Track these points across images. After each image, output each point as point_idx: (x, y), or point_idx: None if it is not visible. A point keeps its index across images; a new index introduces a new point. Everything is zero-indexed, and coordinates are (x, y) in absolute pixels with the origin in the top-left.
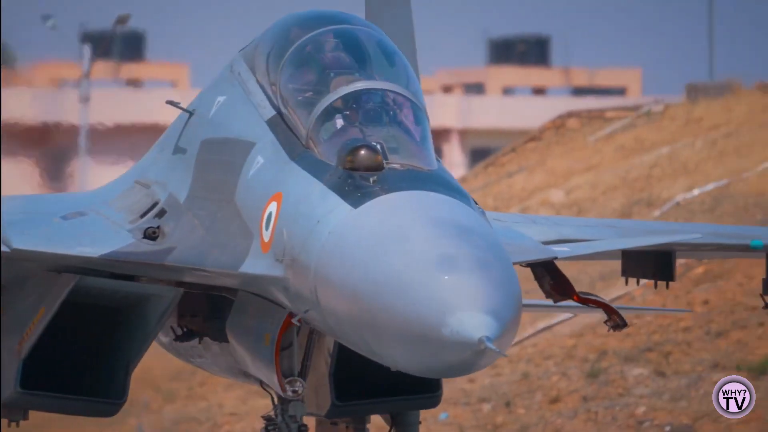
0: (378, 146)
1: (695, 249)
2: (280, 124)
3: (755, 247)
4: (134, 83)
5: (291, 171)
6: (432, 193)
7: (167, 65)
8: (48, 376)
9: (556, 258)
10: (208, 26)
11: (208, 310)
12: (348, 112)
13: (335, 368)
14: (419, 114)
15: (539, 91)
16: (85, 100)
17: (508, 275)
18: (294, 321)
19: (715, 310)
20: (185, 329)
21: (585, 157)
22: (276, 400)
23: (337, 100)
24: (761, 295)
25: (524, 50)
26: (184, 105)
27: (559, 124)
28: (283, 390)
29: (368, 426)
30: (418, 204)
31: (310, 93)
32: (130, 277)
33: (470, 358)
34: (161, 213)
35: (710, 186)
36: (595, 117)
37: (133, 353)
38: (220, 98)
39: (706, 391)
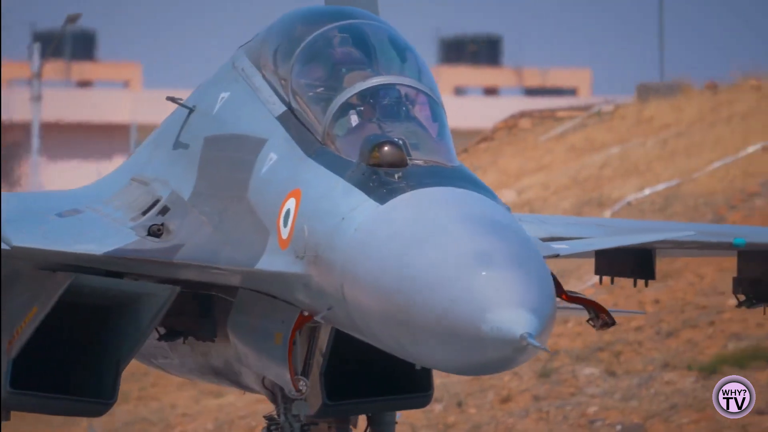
0: (401, 142)
1: (678, 247)
2: (291, 120)
3: (738, 245)
4: (85, 83)
5: (308, 167)
6: (459, 189)
7: (119, 65)
8: (36, 375)
9: (557, 255)
10: (160, 25)
11: (197, 309)
12: (366, 108)
13: (326, 367)
14: (437, 109)
15: (491, 91)
16: (36, 99)
17: (543, 271)
18: (318, 318)
19: (666, 310)
20: (169, 329)
21: (536, 157)
22: (279, 399)
23: (354, 95)
24: (734, 294)
25: (476, 50)
26: (137, 105)
27: (511, 124)
28: (296, 389)
29: (351, 426)
30: (447, 200)
31: (324, 89)
32: (126, 276)
33: (510, 354)
34: (164, 210)
35: (661, 186)
36: (547, 117)
37: (124, 352)
38: (224, 94)
39: (656, 391)
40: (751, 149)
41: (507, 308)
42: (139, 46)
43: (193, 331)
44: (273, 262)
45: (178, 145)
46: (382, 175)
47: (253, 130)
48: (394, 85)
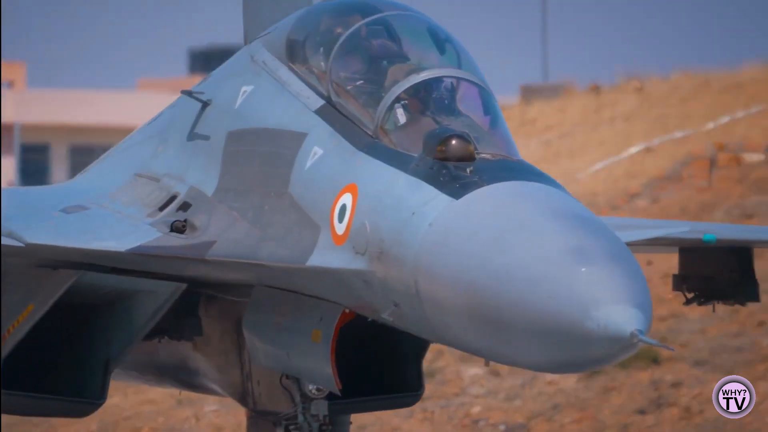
0: (468, 136)
1: (650, 244)
2: (334, 114)
3: (708, 241)
4: None
5: (362, 162)
6: (536, 184)
7: (2, 64)
8: (21, 375)
9: None
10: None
11: (180, 308)
12: (420, 101)
13: None
14: (492, 101)
15: None
16: None
17: (638, 266)
18: (385, 316)
19: None
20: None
21: None
22: (297, 399)
23: (408, 88)
24: (675, 290)
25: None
26: (21, 105)
27: None
28: (339, 386)
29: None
30: (527, 195)
31: (370, 82)
32: (147, 274)
33: (617, 352)
34: (185, 206)
35: None
36: None
37: (114, 351)
38: (246, 88)
39: (540, 391)
40: (633, 150)
41: (614, 305)
42: (23, 45)
43: (171, 331)
44: (328, 258)
45: (193, 139)
46: (453, 169)
47: (287, 124)
48: (448, 77)
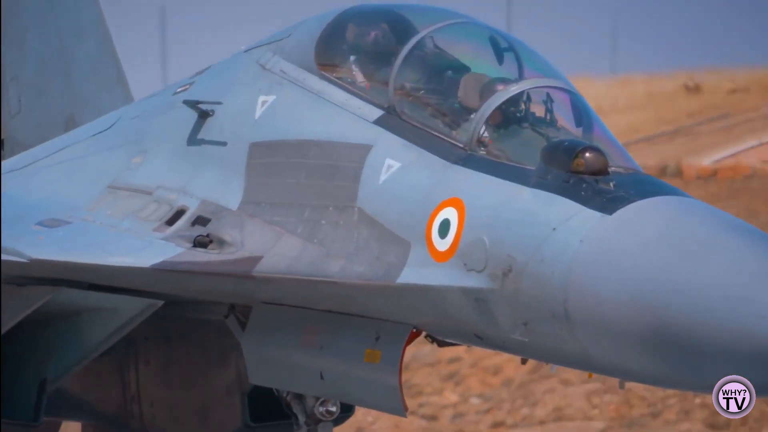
0: (600, 148)
1: None
2: (400, 125)
3: None
4: None
5: (462, 175)
6: (688, 198)
7: None
8: None
9: None
10: None
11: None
12: (519, 112)
13: (252, 388)
14: (590, 109)
15: None
16: None
17: None
18: (516, 336)
19: None
20: None
21: None
22: (301, 422)
23: (507, 99)
24: None
25: None
26: None
27: None
28: (407, 408)
29: None
30: (691, 210)
31: (442, 91)
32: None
33: None
34: (201, 220)
35: None
36: None
37: (52, 371)
38: (265, 98)
39: None
40: None
41: None
42: None
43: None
44: (426, 275)
45: (194, 151)
46: (594, 183)
47: (340, 136)
48: (544, 87)
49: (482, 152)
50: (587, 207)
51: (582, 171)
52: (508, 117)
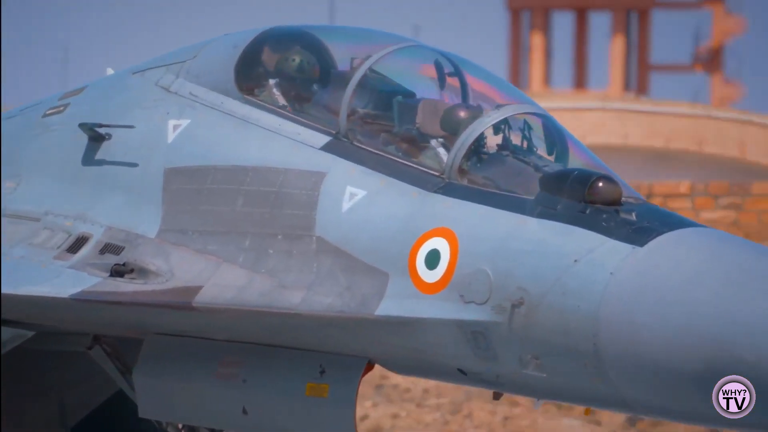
0: (614, 177)
1: None
2: (358, 153)
3: None
4: None
5: (449, 204)
6: (714, 229)
7: None
8: None
9: None
10: None
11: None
12: (503, 139)
13: (78, 421)
14: (572, 136)
15: None
16: None
17: None
18: (530, 371)
19: None
20: None
21: None
22: None
23: (489, 126)
24: None
25: None
26: None
27: None
28: None
29: None
30: (724, 240)
31: (399, 117)
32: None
33: None
34: (112, 248)
35: None
36: None
37: None
38: (177, 122)
39: None
40: None
41: None
42: None
43: None
44: (416, 307)
45: (92, 178)
46: (614, 213)
47: (280, 162)
48: (532, 113)
49: (464, 181)
50: (611, 238)
51: (596, 201)
52: (487, 145)
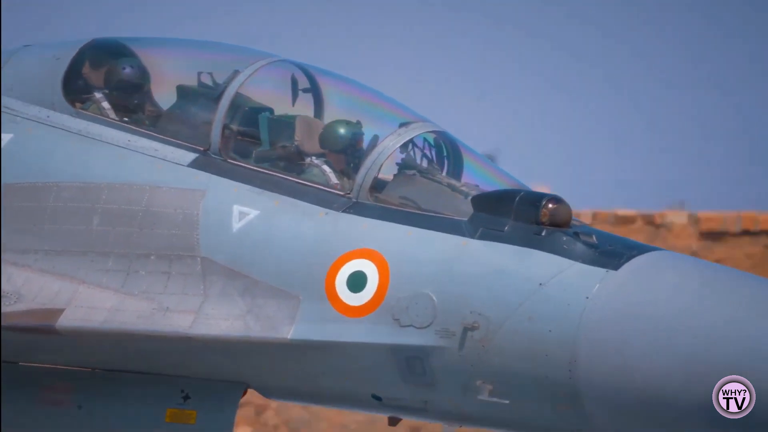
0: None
1: None
2: (238, 171)
3: None
4: None
5: (368, 225)
6: (672, 252)
7: None
8: None
9: None
10: None
11: None
12: (406, 157)
13: None
14: (470, 149)
15: None
16: None
17: None
18: (484, 398)
19: None
20: None
21: None
22: None
23: (398, 143)
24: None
25: None
26: None
27: None
28: None
29: None
30: (692, 262)
31: (271, 132)
32: None
33: None
34: None
35: None
36: None
37: None
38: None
39: None
40: None
41: None
42: None
43: None
44: (339, 331)
45: None
46: (575, 236)
47: (141, 179)
48: (432, 131)
49: (374, 201)
50: (578, 262)
51: (548, 222)
52: (392, 163)
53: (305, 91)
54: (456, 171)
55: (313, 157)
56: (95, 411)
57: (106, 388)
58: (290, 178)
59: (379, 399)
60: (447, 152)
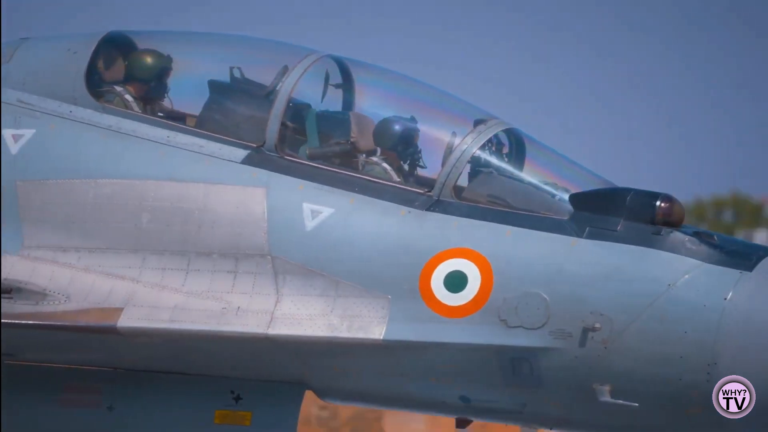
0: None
1: None
2: (296, 167)
3: None
4: None
5: (461, 224)
6: None
7: None
8: None
9: None
10: None
11: None
12: (490, 155)
13: None
14: (555, 150)
15: None
16: None
17: None
18: (606, 399)
19: None
20: None
21: None
22: None
23: (481, 142)
24: None
25: None
26: None
27: None
28: None
29: None
30: None
31: (347, 131)
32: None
33: None
34: None
35: None
36: None
37: None
38: (17, 132)
39: None
40: None
41: None
42: None
43: None
44: (435, 332)
45: None
46: (697, 236)
47: (191, 176)
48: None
49: (458, 198)
50: (706, 263)
51: (663, 222)
52: (476, 160)
53: (340, 86)
54: (535, 168)
55: (373, 155)
56: (128, 413)
57: (140, 389)
58: (360, 176)
59: (467, 401)
60: (524, 149)
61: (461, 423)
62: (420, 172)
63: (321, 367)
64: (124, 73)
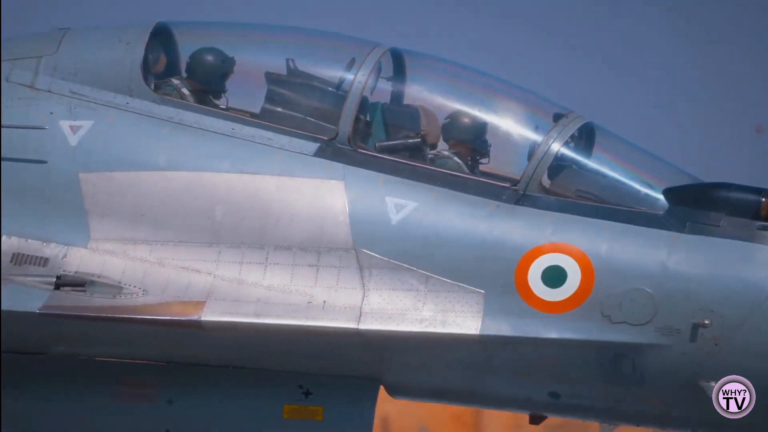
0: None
1: None
2: (371, 160)
3: None
4: None
5: (553, 219)
6: None
7: None
8: None
9: None
10: None
11: None
12: (570, 150)
13: None
14: (626, 139)
15: None
16: None
17: None
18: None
19: None
20: None
21: None
22: None
23: (563, 136)
24: None
25: None
26: None
27: None
28: None
29: None
30: None
31: (417, 123)
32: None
33: None
34: (34, 260)
35: None
36: None
37: None
38: (75, 123)
39: None
40: None
41: None
42: None
43: None
44: (539, 327)
45: None
46: None
47: (262, 169)
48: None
49: (545, 193)
50: None
51: (765, 217)
52: (562, 155)
53: (403, 79)
54: (620, 162)
55: (443, 149)
56: (188, 406)
57: (199, 386)
58: (440, 170)
59: (556, 397)
60: (605, 143)
61: (536, 419)
62: (486, 167)
63: (399, 363)
64: (182, 67)
